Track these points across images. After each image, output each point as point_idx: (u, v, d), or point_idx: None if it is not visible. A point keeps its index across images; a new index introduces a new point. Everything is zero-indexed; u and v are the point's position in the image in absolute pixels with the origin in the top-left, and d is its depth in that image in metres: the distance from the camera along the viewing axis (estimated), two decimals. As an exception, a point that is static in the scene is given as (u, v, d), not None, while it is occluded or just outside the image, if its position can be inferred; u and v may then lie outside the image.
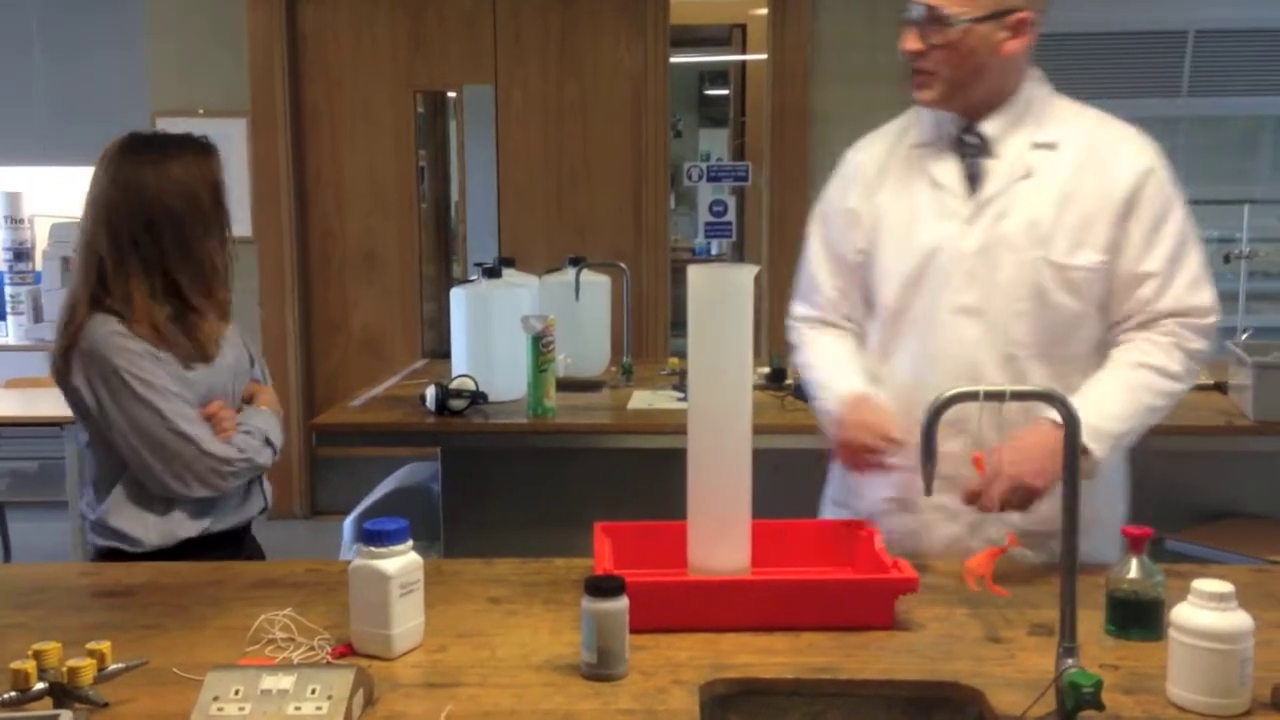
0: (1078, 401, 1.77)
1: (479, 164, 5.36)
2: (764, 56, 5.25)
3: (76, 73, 5.14)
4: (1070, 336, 1.93)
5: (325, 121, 5.27)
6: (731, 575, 1.71)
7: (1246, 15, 5.02)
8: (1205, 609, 1.36)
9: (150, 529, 2.13)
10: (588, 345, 3.65)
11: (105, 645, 1.44)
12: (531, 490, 3.29)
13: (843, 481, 2.15)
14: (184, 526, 2.13)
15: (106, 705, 1.40)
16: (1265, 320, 4.48)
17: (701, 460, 1.73)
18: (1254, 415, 2.96)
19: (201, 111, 5.08)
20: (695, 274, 1.71)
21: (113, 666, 1.43)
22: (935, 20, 1.87)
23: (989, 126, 1.94)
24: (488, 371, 3.21)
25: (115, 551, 2.13)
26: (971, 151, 1.96)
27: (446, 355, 3.53)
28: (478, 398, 3.13)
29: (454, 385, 3.15)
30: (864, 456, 1.93)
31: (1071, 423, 1.38)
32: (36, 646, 1.39)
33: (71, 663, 1.38)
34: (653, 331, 5.24)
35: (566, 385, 3.33)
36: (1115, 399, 1.86)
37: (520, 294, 3.38)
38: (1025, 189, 1.92)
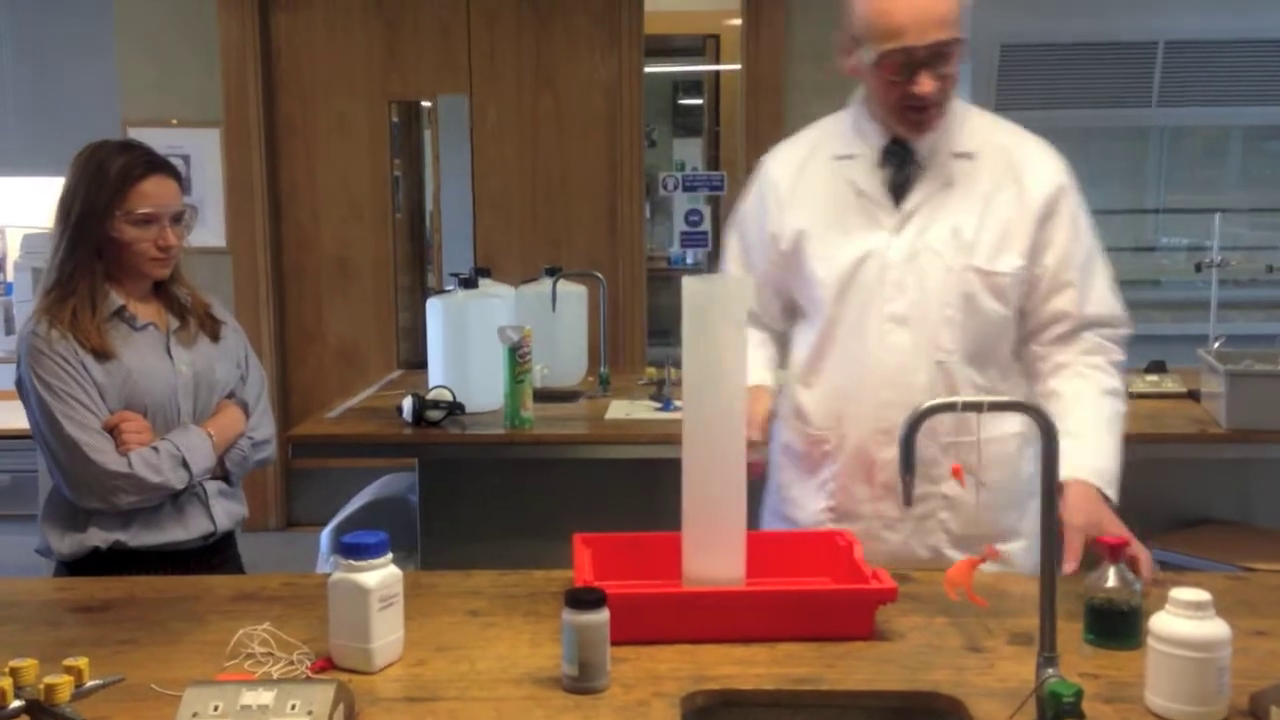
0: (1072, 446, 1.80)
1: (454, 173, 5.34)
2: (738, 66, 5.26)
3: (48, 83, 5.09)
4: (994, 340, 2.00)
5: (299, 131, 5.24)
6: (727, 584, 1.70)
7: (1215, 26, 5.06)
8: (1183, 618, 1.37)
9: (63, 539, 2.13)
10: (564, 355, 3.65)
11: (83, 662, 1.42)
12: (509, 501, 3.29)
13: (780, 493, 2.17)
14: (93, 536, 2.11)
15: (83, 723, 1.39)
16: (1236, 328, 4.52)
17: (697, 471, 1.73)
18: (1227, 423, 2.99)
19: (174, 122, 5.05)
20: (690, 285, 1.70)
21: (90, 683, 1.42)
22: (947, 54, 1.86)
23: (920, 141, 1.97)
24: (464, 382, 3.20)
25: (73, 562, 2.13)
26: (896, 162, 1.98)
27: (423, 366, 3.52)
28: (454, 409, 3.12)
29: (431, 396, 3.14)
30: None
31: (1049, 431, 1.38)
32: (13, 664, 1.37)
33: (48, 680, 1.37)
34: (629, 341, 5.23)
35: (543, 396, 3.32)
36: (1105, 437, 1.91)
37: (497, 304, 3.37)
38: (948, 198, 1.97)
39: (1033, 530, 1.98)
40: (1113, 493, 1.85)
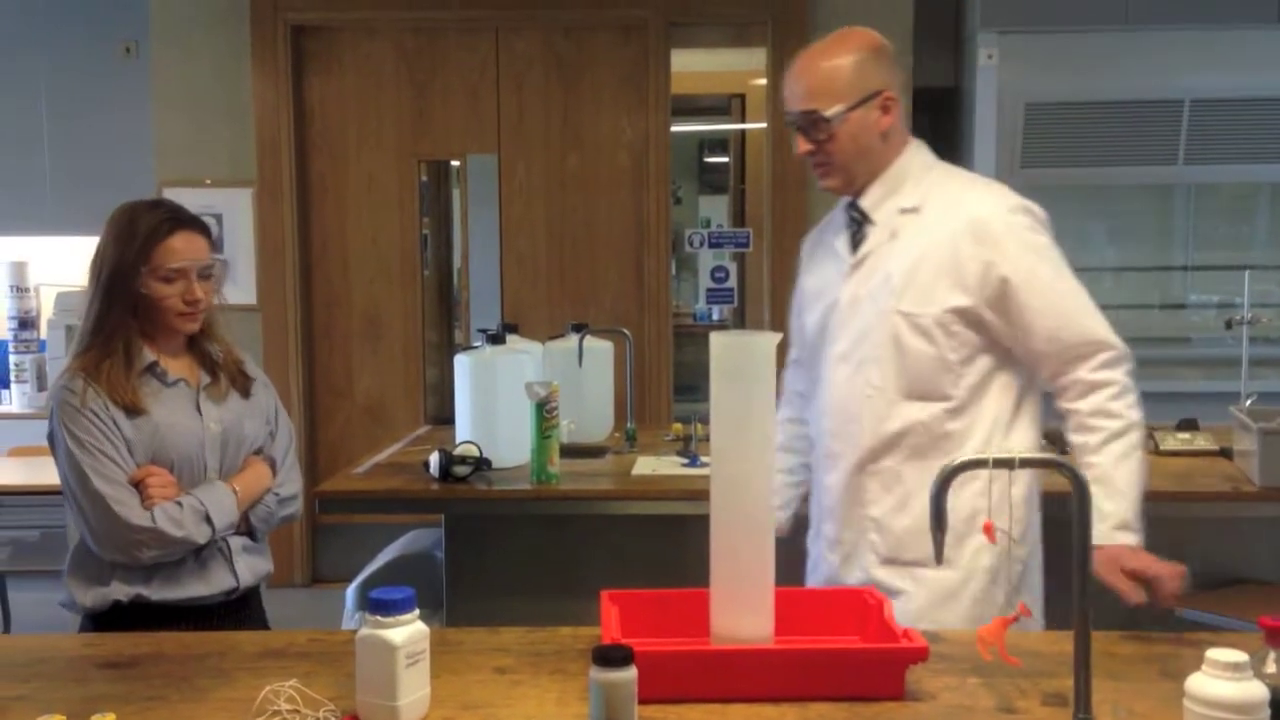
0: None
1: (482, 231, 5.39)
2: (763, 125, 5.30)
3: (84, 143, 5.19)
4: (931, 377, 2.11)
5: (330, 190, 5.31)
6: (756, 643, 1.69)
7: (1241, 84, 5.07)
8: (1220, 679, 1.35)
9: (87, 591, 2.14)
10: (591, 411, 3.64)
11: (110, 718, 1.42)
12: (535, 557, 3.28)
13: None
14: (115, 590, 2.12)
15: (109, 779, 1.38)
16: (1269, 385, 4.46)
17: (725, 527, 1.72)
18: (1260, 481, 2.95)
19: (208, 181, 5.13)
20: (718, 340, 1.70)
21: (116, 739, 1.42)
22: (815, 122, 2.11)
23: (865, 200, 2.19)
24: (491, 438, 3.21)
25: (97, 616, 2.13)
26: (855, 222, 2.21)
27: (450, 421, 3.53)
28: (481, 464, 3.12)
29: (458, 452, 3.14)
30: None
31: (1079, 486, 1.37)
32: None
33: (75, 736, 1.37)
34: (656, 397, 5.24)
35: (570, 452, 3.32)
36: (1110, 491, 1.98)
37: (524, 360, 3.38)
38: (890, 249, 2.15)
39: (970, 564, 2.10)
40: (1129, 537, 1.96)
